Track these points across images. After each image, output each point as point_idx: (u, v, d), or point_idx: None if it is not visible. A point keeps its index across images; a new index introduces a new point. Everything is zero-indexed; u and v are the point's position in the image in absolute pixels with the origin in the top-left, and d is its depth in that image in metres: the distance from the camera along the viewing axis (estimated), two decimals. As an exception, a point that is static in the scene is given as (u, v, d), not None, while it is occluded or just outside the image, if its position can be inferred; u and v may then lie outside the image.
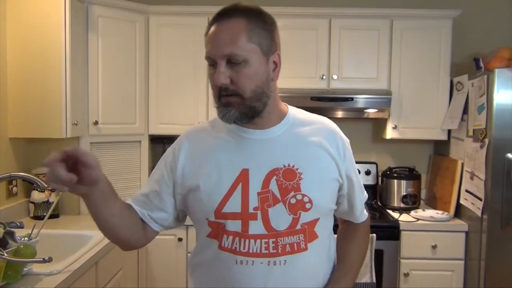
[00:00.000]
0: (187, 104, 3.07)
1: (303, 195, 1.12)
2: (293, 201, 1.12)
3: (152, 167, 3.25)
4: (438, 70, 3.05)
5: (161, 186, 1.23)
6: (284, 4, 3.02)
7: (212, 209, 1.13)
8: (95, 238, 2.19)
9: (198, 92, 3.07)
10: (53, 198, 2.64)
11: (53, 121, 2.49)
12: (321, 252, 1.19)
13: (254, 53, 1.10)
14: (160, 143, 3.32)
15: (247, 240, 1.11)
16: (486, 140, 2.57)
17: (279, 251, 1.11)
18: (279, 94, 3.24)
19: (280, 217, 1.11)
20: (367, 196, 1.37)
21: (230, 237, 1.12)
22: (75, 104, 2.57)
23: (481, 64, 2.85)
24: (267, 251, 1.11)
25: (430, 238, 2.73)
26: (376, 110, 3.04)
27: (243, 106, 1.10)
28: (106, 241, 2.21)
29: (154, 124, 3.09)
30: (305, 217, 1.13)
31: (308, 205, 1.12)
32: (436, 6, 3.09)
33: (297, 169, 1.14)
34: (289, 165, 1.14)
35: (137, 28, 2.98)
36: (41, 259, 1.55)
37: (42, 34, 2.47)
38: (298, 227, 1.12)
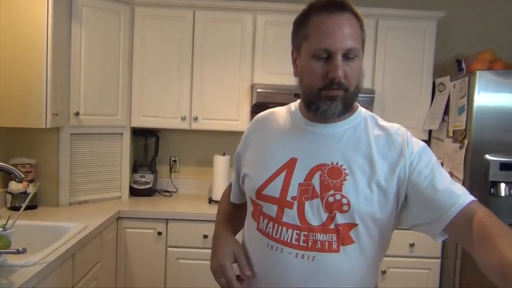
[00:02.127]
0: (170, 97, 3.05)
1: (342, 196, 1.09)
2: (331, 199, 1.10)
3: (133, 159, 3.23)
4: (421, 70, 3.08)
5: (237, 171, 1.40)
6: (271, 0, 3.02)
7: (255, 188, 1.19)
8: (73, 230, 2.17)
9: (182, 85, 3.05)
10: (31, 189, 2.60)
11: (33, 111, 2.44)
12: (357, 260, 1.12)
13: (361, 50, 1.12)
14: (143, 135, 3.29)
15: (280, 227, 1.13)
16: (466, 141, 2.61)
17: (309, 246, 1.10)
18: (264, 90, 3.24)
19: (315, 212, 1.10)
20: (452, 181, 1.12)
21: (266, 220, 1.17)
22: (56, 94, 2.52)
23: (463, 66, 2.88)
24: (297, 243, 1.11)
25: (408, 237, 2.77)
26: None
27: (345, 101, 1.11)
28: (84, 233, 2.19)
29: (137, 116, 3.06)
30: (340, 219, 1.09)
31: (345, 207, 1.09)
32: (421, 7, 3.12)
33: (344, 169, 1.12)
34: (337, 164, 1.12)
35: (121, 18, 2.94)
36: (15, 250, 1.53)
37: (23, 22, 2.42)
38: (332, 226, 1.10)
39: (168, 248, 2.75)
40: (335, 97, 1.10)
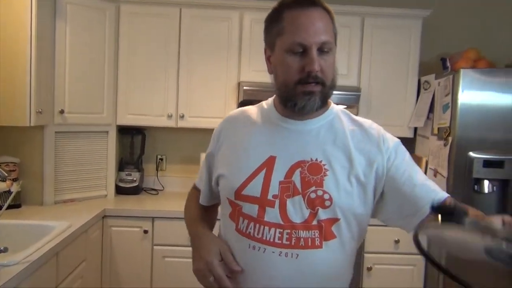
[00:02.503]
0: (156, 94, 3.03)
1: (324, 192, 1.10)
2: (312, 195, 1.10)
3: (119, 158, 3.21)
4: (407, 68, 3.10)
5: (206, 170, 1.37)
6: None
7: (233, 189, 1.16)
8: (57, 229, 2.15)
9: (168, 83, 3.03)
10: (15, 188, 2.56)
11: (16, 109, 2.41)
12: (339, 254, 1.14)
13: (334, 43, 1.13)
14: (129, 134, 3.27)
15: (261, 226, 1.11)
16: (450, 139, 2.63)
17: (292, 244, 1.09)
18: (250, 88, 3.23)
19: (297, 209, 1.10)
20: (426, 177, 1.17)
21: (246, 221, 1.14)
22: (40, 92, 2.49)
23: (448, 64, 2.91)
24: (280, 241, 1.10)
25: (393, 233, 2.79)
26: (346, 106, 3.06)
27: (322, 95, 1.12)
28: (69, 232, 2.18)
29: (123, 114, 3.04)
30: (322, 214, 1.10)
31: (327, 203, 1.10)
32: (407, 5, 3.14)
33: (324, 165, 1.13)
34: (316, 160, 1.13)
35: (107, 16, 2.92)
36: (-3, 249, 1.51)
37: (7, 19, 2.39)
38: (314, 222, 1.10)
39: (155, 247, 2.74)
40: (312, 92, 1.10)
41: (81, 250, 2.36)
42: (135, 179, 3.19)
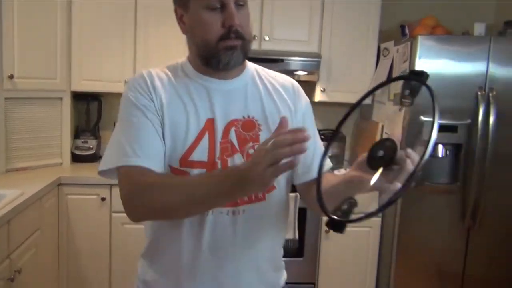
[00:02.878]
0: (113, 59, 2.93)
1: None
2: (251, 151, 1.12)
3: (75, 125, 3.11)
4: (367, 35, 3.11)
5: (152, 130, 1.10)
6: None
7: (178, 156, 1.10)
8: (8, 197, 2.08)
9: (125, 47, 2.94)
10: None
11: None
12: (279, 204, 1.21)
13: None
14: (84, 100, 3.17)
15: None
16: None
17: (237, 201, 1.11)
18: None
19: None
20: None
21: None
22: (-15, 55, 2.37)
23: (407, 31, 2.94)
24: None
25: (351, 197, 2.85)
26: (306, 73, 3.07)
27: (243, 50, 1.11)
28: (21, 199, 2.12)
29: (77, 80, 2.94)
30: None
31: None
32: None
33: (256, 120, 1.15)
34: (248, 117, 1.15)
35: (57, -25, 2.77)
36: None
37: None
38: None
39: (113, 214, 2.70)
40: (234, 47, 1.09)
41: (34, 219, 2.30)
42: (91, 146, 3.11)
